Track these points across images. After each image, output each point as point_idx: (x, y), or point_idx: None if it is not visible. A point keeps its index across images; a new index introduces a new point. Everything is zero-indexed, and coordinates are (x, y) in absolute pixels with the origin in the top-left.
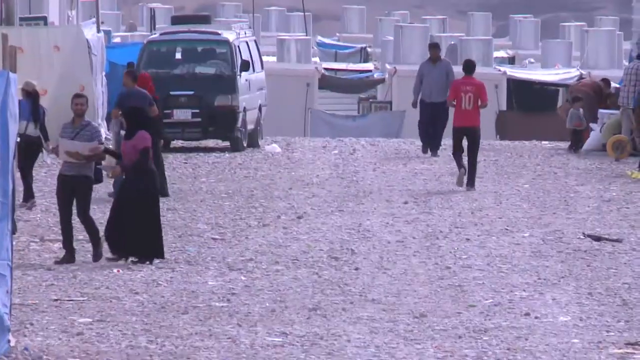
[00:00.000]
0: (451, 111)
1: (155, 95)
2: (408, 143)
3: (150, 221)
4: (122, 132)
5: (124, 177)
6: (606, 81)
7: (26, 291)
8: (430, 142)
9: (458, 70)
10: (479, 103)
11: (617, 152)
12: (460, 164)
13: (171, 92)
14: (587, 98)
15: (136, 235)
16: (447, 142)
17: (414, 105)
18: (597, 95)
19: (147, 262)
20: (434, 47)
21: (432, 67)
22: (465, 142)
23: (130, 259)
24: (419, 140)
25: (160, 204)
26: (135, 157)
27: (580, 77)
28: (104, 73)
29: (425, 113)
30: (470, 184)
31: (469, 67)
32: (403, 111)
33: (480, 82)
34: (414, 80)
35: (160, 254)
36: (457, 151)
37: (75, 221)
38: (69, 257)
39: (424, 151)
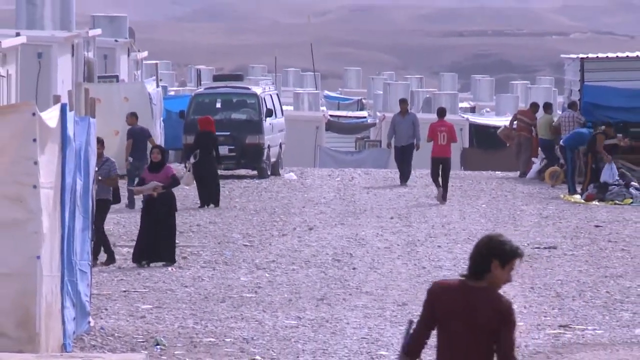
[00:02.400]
0: (427, 146)
1: (214, 130)
2: (393, 173)
3: (169, 232)
4: (130, 159)
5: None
6: (535, 105)
7: (102, 284)
8: (404, 175)
9: (434, 116)
10: (452, 139)
11: (553, 180)
12: (438, 185)
13: (203, 136)
14: (525, 124)
15: (157, 242)
16: (423, 172)
17: (389, 146)
18: (532, 120)
19: (163, 264)
20: (403, 102)
21: (401, 119)
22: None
23: (144, 262)
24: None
25: (205, 217)
26: (166, 182)
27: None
28: (161, 118)
29: (398, 154)
30: (444, 197)
31: (442, 112)
32: (390, 148)
33: (450, 124)
34: None
35: (172, 259)
36: (435, 175)
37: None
38: (111, 259)
39: (401, 182)
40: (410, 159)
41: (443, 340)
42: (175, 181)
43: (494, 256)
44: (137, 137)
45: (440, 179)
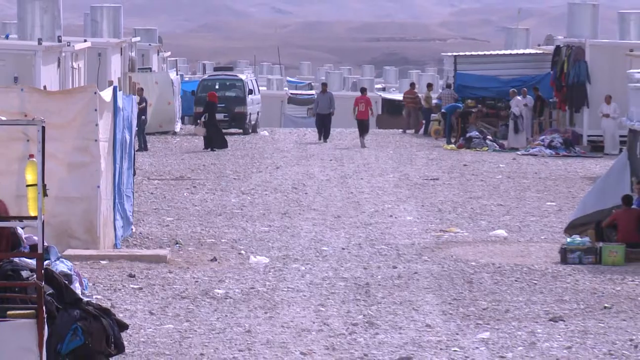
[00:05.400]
0: (347, 114)
1: (216, 101)
2: (334, 133)
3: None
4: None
5: None
6: (429, 85)
7: (140, 204)
8: (323, 135)
9: (358, 93)
10: (369, 108)
11: (436, 135)
12: (361, 140)
13: (210, 104)
14: (410, 99)
15: None
16: (352, 130)
17: (313, 115)
18: (416, 97)
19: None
20: (324, 85)
21: (322, 96)
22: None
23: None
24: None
25: (208, 160)
26: None
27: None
28: (179, 96)
29: (319, 120)
30: (363, 144)
31: (363, 90)
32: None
33: (368, 97)
34: (338, 100)
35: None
36: (360, 132)
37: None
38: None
39: (319, 139)
40: (329, 123)
41: None
42: None
43: None
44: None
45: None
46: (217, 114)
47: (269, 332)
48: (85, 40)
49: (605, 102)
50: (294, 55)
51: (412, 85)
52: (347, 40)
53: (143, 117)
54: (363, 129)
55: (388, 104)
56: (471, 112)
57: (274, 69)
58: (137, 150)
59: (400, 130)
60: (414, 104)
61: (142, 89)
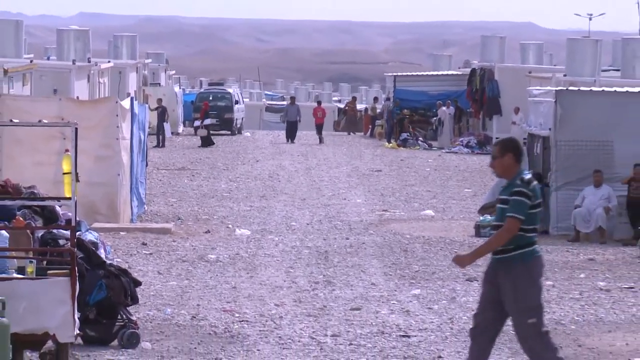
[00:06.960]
0: (309, 118)
1: (207, 109)
2: (301, 135)
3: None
4: (156, 122)
5: None
6: (375, 98)
7: (151, 189)
8: (291, 137)
9: (320, 105)
10: (325, 115)
11: (380, 137)
12: (320, 137)
13: (209, 112)
14: (351, 108)
15: None
16: (311, 133)
17: (283, 121)
18: (355, 108)
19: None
20: (292, 98)
21: (291, 107)
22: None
23: None
24: (293, 136)
25: (203, 154)
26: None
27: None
28: (182, 104)
29: (288, 126)
30: (322, 141)
31: (319, 102)
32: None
33: (323, 108)
34: (304, 109)
35: None
36: (318, 132)
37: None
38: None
39: (287, 141)
40: (296, 129)
41: None
42: None
43: None
44: (161, 111)
45: (321, 134)
46: (210, 119)
47: (250, 288)
48: (109, 62)
49: (514, 112)
50: (271, 74)
51: (354, 98)
52: (311, 63)
53: (165, 117)
54: (321, 130)
55: (340, 111)
56: (405, 118)
57: (255, 85)
58: (156, 146)
59: (352, 133)
60: (353, 113)
61: (161, 99)
